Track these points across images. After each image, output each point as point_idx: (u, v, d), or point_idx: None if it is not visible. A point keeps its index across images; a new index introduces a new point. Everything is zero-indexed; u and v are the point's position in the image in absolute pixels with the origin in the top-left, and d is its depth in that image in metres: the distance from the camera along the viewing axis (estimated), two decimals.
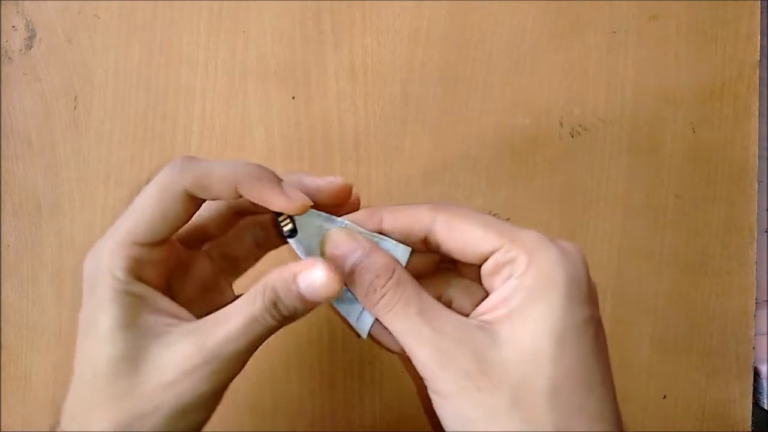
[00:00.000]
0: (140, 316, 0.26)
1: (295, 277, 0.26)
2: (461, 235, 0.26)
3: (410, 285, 0.26)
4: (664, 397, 0.45)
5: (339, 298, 0.28)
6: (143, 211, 0.27)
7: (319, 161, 0.44)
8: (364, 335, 0.28)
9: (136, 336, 0.26)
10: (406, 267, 0.27)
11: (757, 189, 0.46)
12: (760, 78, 0.46)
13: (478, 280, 0.27)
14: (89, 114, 0.43)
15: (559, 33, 0.45)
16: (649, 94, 0.45)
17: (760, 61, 0.46)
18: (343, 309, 0.28)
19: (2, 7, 0.43)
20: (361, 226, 0.28)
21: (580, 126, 0.45)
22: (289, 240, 0.27)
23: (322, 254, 0.27)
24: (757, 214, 0.46)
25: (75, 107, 0.43)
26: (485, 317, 0.25)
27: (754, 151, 0.45)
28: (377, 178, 0.44)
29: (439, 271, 0.29)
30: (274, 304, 0.26)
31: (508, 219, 0.25)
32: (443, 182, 0.45)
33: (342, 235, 0.27)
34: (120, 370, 0.25)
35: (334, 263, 0.26)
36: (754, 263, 0.46)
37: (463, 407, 0.23)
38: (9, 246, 0.43)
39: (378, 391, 0.44)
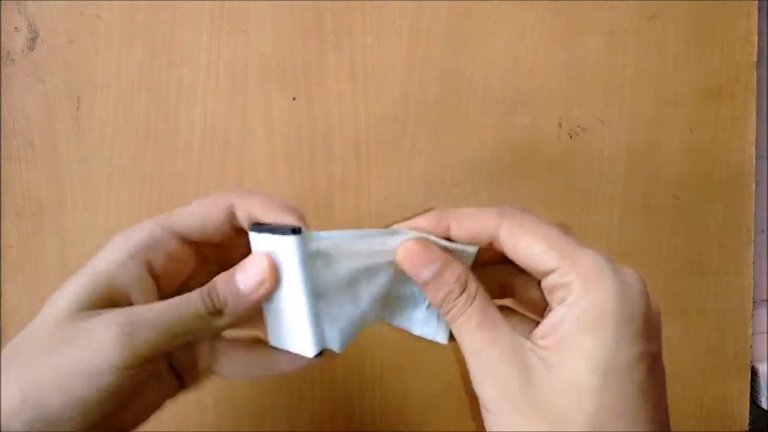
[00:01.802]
0: (102, 290, 0.27)
1: (234, 272, 0.27)
2: (523, 248, 0.26)
3: (478, 298, 0.26)
4: None
5: (417, 308, 0.30)
6: (186, 208, 0.29)
7: (319, 161, 0.44)
8: (445, 340, 0.29)
9: (79, 305, 0.26)
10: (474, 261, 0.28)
11: (754, 189, 0.46)
12: (758, 78, 0.46)
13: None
14: (91, 115, 0.43)
15: (558, 33, 0.45)
16: (648, 94, 0.45)
17: (758, 62, 0.46)
18: (418, 320, 0.30)
19: (4, 8, 0.43)
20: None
21: (578, 126, 0.45)
22: (250, 233, 0.28)
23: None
24: (755, 214, 0.46)
25: (77, 108, 0.43)
26: (539, 342, 0.25)
27: (751, 152, 0.46)
28: (377, 179, 0.44)
29: (505, 261, 0.29)
30: (209, 294, 0.27)
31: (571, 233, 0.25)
32: (443, 182, 0.45)
33: (417, 247, 0.27)
34: (50, 332, 0.26)
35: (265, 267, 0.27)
36: (751, 263, 0.46)
37: (503, 426, 0.24)
38: (11, 246, 0.43)
39: (378, 390, 0.45)
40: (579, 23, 0.45)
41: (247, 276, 0.27)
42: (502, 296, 0.30)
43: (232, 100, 0.44)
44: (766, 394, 0.47)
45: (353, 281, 0.28)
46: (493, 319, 0.26)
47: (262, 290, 0.27)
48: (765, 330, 0.49)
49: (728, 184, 0.46)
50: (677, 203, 0.46)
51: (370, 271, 0.28)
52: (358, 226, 0.44)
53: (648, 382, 0.24)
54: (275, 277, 0.27)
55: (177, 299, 0.27)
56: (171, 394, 0.32)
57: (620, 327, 0.23)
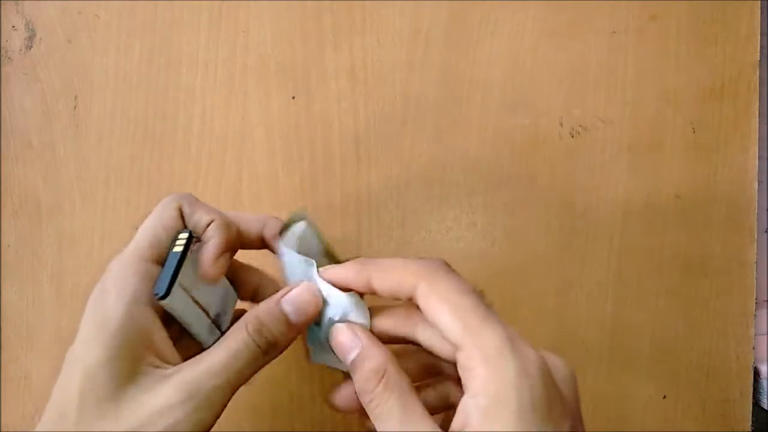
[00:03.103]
0: (130, 350, 0.26)
1: (278, 300, 0.27)
2: (433, 316, 0.25)
3: (397, 390, 0.26)
4: (664, 397, 0.45)
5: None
6: (143, 226, 0.30)
7: (319, 161, 0.44)
8: None
9: (119, 374, 0.25)
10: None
11: (756, 189, 0.46)
12: (759, 78, 0.46)
13: None
14: (89, 114, 0.43)
15: (559, 33, 0.45)
16: (649, 94, 0.45)
17: (759, 61, 0.46)
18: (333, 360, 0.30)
19: (2, 6, 0.43)
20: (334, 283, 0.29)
21: (580, 126, 0.45)
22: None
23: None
24: (757, 214, 0.46)
25: (75, 107, 0.43)
26: None
27: (754, 152, 0.45)
28: (377, 178, 0.44)
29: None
30: (259, 332, 0.27)
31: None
32: (443, 182, 0.45)
33: (344, 330, 0.28)
34: (98, 410, 0.25)
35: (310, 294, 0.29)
36: (753, 263, 0.46)
37: None
38: (9, 246, 0.43)
39: None
40: (580, 22, 0.45)
41: (296, 308, 0.28)
42: (425, 377, 0.30)
43: (230, 99, 0.44)
44: None
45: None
46: (413, 412, 0.25)
47: (311, 318, 0.28)
48: (766, 331, 0.48)
49: (731, 183, 0.45)
50: (679, 203, 0.45)
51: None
52: (358, 227, 0.44)
53: None
54: (320, 301, 0.28)
55: (226, 347, 0.26)
56: None
57: (520, 416, 0.23)
